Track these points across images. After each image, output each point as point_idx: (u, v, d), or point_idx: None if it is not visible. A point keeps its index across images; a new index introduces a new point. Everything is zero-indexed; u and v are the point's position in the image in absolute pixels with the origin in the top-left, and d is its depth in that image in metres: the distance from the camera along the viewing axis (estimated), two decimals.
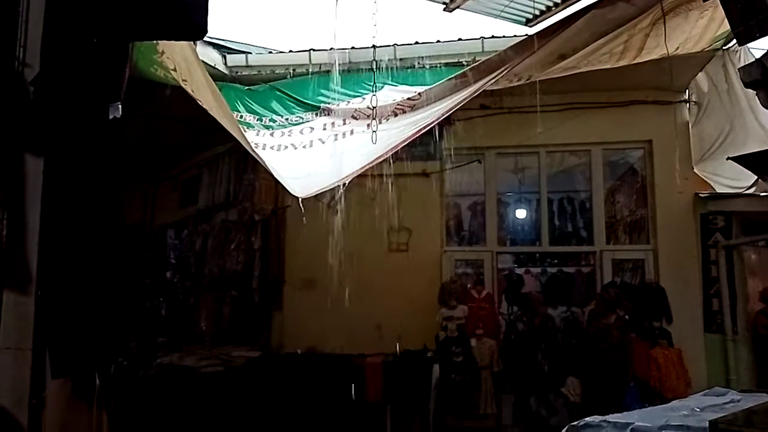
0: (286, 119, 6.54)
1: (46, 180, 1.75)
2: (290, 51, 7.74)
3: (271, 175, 5.60)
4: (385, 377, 7.06)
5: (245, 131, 5.78)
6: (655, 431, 2.78)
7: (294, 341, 8.08)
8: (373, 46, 5.69)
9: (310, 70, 7.30)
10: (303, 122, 6.36)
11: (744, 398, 3.33)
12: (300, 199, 5.35)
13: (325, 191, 5.96)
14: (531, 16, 6.77)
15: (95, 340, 1.52)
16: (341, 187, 5.73)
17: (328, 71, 6.90)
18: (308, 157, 5.60)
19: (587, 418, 3.12)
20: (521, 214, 9.97)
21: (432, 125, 5.35)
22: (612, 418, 3.05)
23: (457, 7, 6.35)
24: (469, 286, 8.06)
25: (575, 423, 3.11)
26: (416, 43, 7.28)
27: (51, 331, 1.53)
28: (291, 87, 7.31)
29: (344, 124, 5.95)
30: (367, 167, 5.48)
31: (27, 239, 1.67)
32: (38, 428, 1.54)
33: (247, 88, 7.51)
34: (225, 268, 9.12)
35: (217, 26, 10.40)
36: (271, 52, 8.08)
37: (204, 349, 8.71)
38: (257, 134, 6.06)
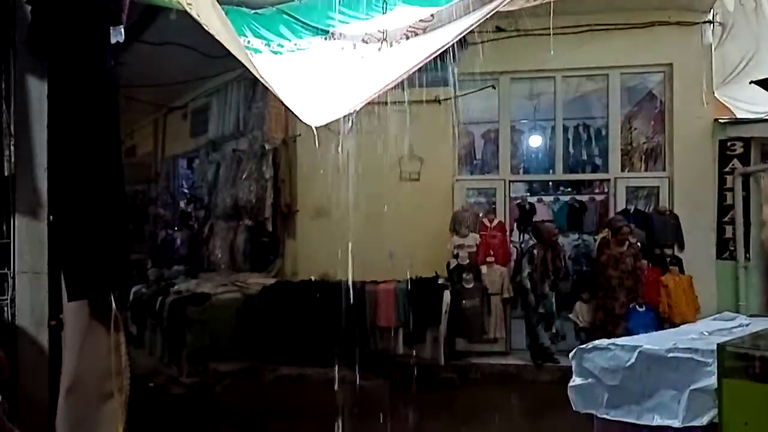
0: (295, 44, 6.34)
1: (50, 104, 1.73)
2: None
3: (281, 102, 5.49)
4: (396, 303, 7.21)
5: (253, 57, 5.62)
6: (662, 354, 2.82)
7: (307, 269, 8.22)
8: None
9: None
10: (312, 47, 6.17)
11: (753, 323, 3.35)
12: (314, 128, 5.27)
13: (337, 119, 5.86)
14: None
15: (110, 263, 1.54)
16: (353, 115, 5.62)
17: None
18: (318, 83, 5.46)
19: (595, 341, 3.17)
20: (535, 141, 9.83)
21: (445, 48, 5.17)
22: (620, 341, 3.09)
23: None
24: (480, 214, 8.06)
25: (583, 346, 3.16)
26: None
27: (65, 255, 1.55)
28: (299, 10, 7.04)
29: (354, 48, 5.75)
30: (379, 93, 5.35)
31: (35, 164, 1.67)
32: (58, 348, 1.59)
33: (253, 11, 7.26)
34: (237, 198, 9.17)
35: None
36: None
37: (220, 276, 8.91)
38: (265, 60, 5.90)
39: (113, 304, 1.61)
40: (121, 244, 1.59)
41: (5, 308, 1.54)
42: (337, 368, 6.94)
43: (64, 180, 1.57)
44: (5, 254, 1.55)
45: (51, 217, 1.62)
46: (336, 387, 6.29)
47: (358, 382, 6.67)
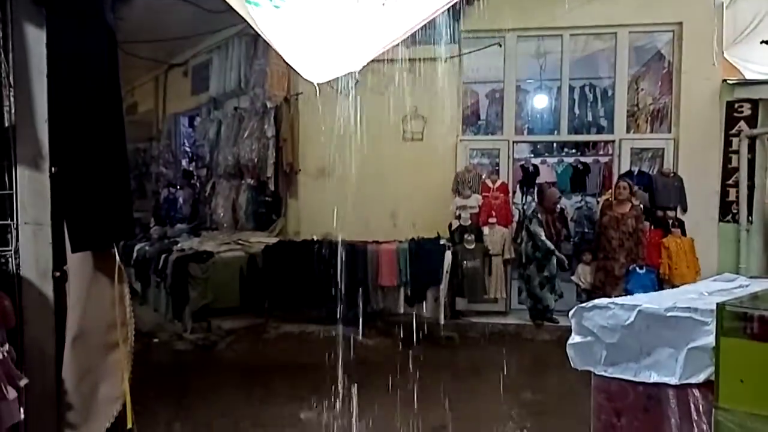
0: None
1: (49, 54, 1.70)
2: None
3: (283, 59, 5.41)
4: (398, 263, 7.25)
5: (253, 10, 5.51)
6: (662, 313, 2.83)
7: (310, 228, 8.24)
8: None
9: None
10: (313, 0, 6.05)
11: (752, 283, 3.36)
12: (315, 85, 5.21)
13: (339, 77, 5.79)
14: None
15: (112, 214, 1.54)
16: (356, 73, 5.54)
17: None
18: (320, 38, 5.37)
19: (595, 300, 3.18)
20: (541, 102, 9.72)
21: (451, 3, 5.06)
22: (620, 300, 3.10)
23: None
24: (483, 175, 8.03)
25: (583, 305, 3.17)
26: None
27: (68, 206, 1.54)
28: None
29: (357, 1, 5.64)
30: (383, 50, 5.28)
31: (35, 115, 1.65)
32: (63, 299, 1.61)
33: None
34: (239, 157, 9.14)
35: None
36: None
37: (222, 235, 8.95)
38: (266, 14, 5.78)
39: (117, 256, 1.62)
40: (123, 195, 1.59)
41: (9, 259, 1.54)
42: (338, 326, 7.05)
43: (66, 131, 1.56)
44: (8, 205, 1.55)
45: (53, 169, 1.61)
46: (338, 344, 6.40)
47: (359, 340, 6.78)
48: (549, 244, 7.21)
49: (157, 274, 7.97)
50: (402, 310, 7.22)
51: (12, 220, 1.54)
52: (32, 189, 1.56)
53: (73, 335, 1.57)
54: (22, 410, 1.56)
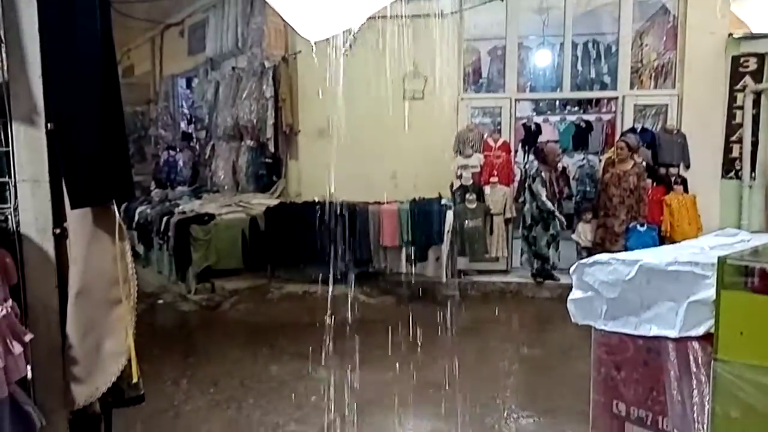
0: None
1: (41, 7, 1.65)
2: None
3: (280, 17, 5.31)
4: (400, 223, 7.25)
5: None
6: (663, 267, 2.84)
7: (310, 190, 8.22)
8: None
9: None
10: None
11: (754, 238, 3.36)
12: (313, 43, 5.12)
13: (337, 34, 5.68)
14: None
15: (110, 170, 1.53)
16: (354, 30, 5.44)
17: None
18: None
19: (596, 256, 3.18)
20: (543, 59, 9.57)
21: None
22: (621, 255, 3.10)
23: None
24: (485, 134, 7.96)
25: (584, 261, 3.18)
26: None
27: (66, 162, 1.53)
28: None
29: None
30: (381, 7, 5.16)
31: (29, 71, 1.62)
32: (64, 257, 1.61)
33: None
34: (238, 118, 9.05)
35: None
36: None
37: (223, 197, 8.95)
38: None
39: (117, 214, 1.61)
40: (120, 152, 1.57)
41: (9, 216, 1.54)
42: (341, 286, 7.11)
43: (59, 87, 1.53)
44: (5, 163, 1.53)
45: (49, 125, 1.59)
46: (340, 304, 6.47)
47: (361, 299, 6.84)
48: (549, 204, 7.21)
49: (159, 236, 8.01)
50: (404, 270, 7.26)
51: (10, 177, 1.53)
52: (29, 146, 1.54)
53: (75, 291, 1.57)
54: (29, 366, 1.58)
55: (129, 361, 1.63)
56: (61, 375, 1.60)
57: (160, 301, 7.23)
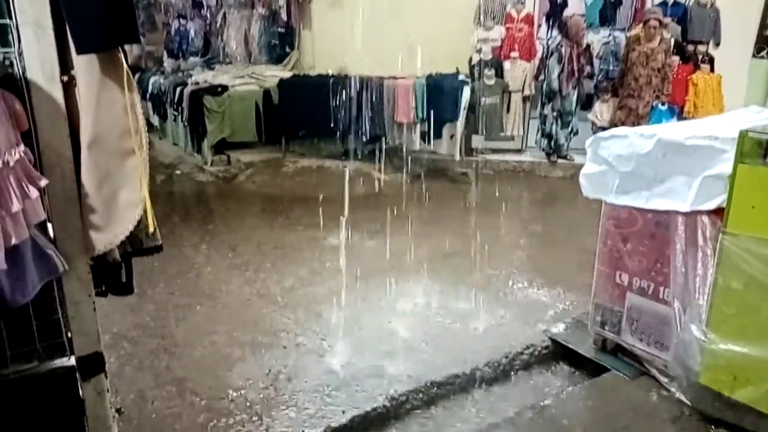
0: None
1: None
2: None
3: None
4: (415, 99, 7.10)
5: None
6: (681, 141, 2.79)
7: (324, 62, 8.00)
8: None
9: None
10: None
11: None
12: None
13: None
14: None
15: (114, 15, 1.47)
16: None
17: None
18: None
19: (613, 129, 3.13)
20: None
21: None
22: (638, 129, 3.05)
23: None
24: (508, 5, 7.54)
25: (601, 134, 3.13)
26: None
27: (68, 7, 1.47)
28: None
29: None
30: None
31: None
32: (73, 105, 1.60)
33: None
34: None
35: None
36: None
37: (236, 68, 8.76)
38: None
39: (125, 63, 1.57)
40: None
41: (14, 61, 1.51)
42: (354, 162, 7.13)
43: None
44: (5, 5, 1.48)
45: None
46: (353, 178, 6.52)
47: (374, 175, 6.88)
48: (555, 84, 6.98)
49: (173, 107, 7.95)
50: (418, 147, 7.23)
51: (10, 18, 1.48)
52: None
53: (88, 141, 1.58)
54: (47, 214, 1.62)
55: (145, 211, 1.67)
56: (80, 223, 1.65)
57: (178, 172, 7.33)
